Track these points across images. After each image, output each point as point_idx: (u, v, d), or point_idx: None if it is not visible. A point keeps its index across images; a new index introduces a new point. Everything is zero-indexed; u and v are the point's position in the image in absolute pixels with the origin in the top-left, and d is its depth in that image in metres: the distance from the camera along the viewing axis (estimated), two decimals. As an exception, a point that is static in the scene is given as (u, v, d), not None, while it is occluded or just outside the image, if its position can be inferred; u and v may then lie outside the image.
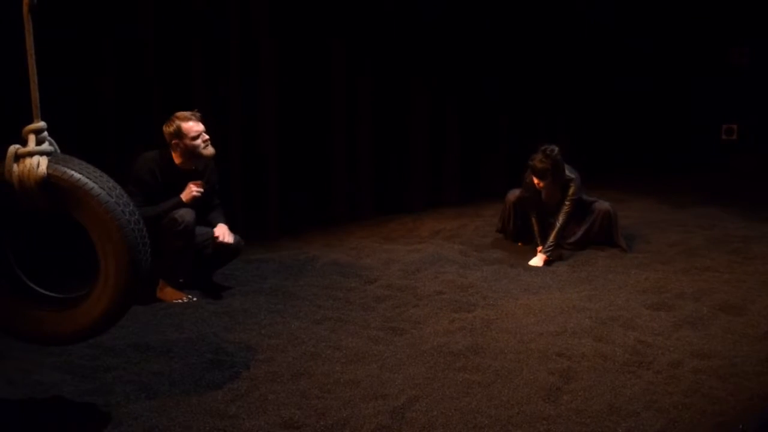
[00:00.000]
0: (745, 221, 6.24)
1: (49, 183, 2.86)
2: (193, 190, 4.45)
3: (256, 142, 6.20)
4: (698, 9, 8.49)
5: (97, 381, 3.40)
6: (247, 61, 6.04)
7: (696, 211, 6.63)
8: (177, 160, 4.48)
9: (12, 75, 3.91)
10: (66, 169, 2.88)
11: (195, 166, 4.52)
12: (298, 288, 4.72)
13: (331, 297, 4.58)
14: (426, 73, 7.11)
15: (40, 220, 3.49)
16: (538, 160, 5.20)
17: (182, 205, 4.41)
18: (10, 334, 3.18)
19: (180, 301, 4.47)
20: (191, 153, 4.44)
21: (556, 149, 5.21)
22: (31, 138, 2.91)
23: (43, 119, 2.95)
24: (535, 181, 5.30)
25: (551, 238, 5.30)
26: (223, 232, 4.52)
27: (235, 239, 4.62)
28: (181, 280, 4.57)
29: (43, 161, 2.87)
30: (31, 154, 2.87)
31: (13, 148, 2.88)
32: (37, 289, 3.16)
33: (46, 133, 2.95)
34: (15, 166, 2.86)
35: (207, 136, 4.48)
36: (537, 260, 5.27)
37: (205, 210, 4.63)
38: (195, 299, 4.51)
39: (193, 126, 4.42)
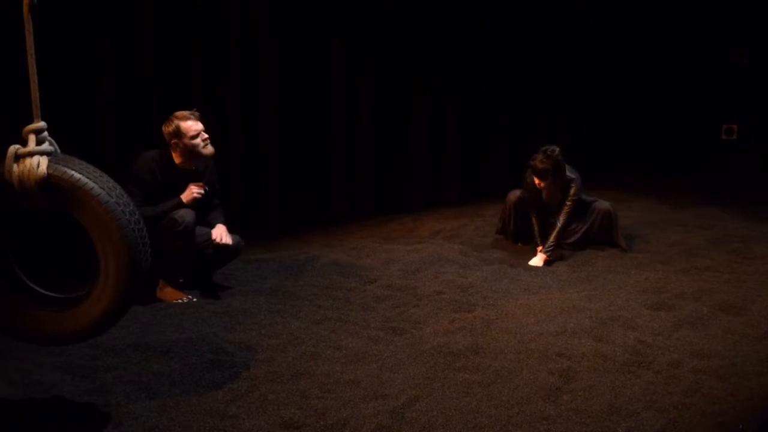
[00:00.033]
0: (745, 221, 6.24)
1: (49, 183, 2.86)
2: (193, 191, 4.45)
3: (256, 142, 6.21)
4: (698, 9, 8.49)
5: (97, 381, 3.40)
6: (247, 61, 6.05)
7: (696, 211, 6.63)
8: (177, 159, 4.48)
9: (12, 75, 3.91)
10: (66, 169, 2.88)
11: (195, 165, 4.52)
12: (298, 288, 4.72)
13: (331, 297, 4.58)
14: (426, 73, 7.12)
15: (40, 220, 3.48)
16: (539, 161, 5.20)
17: (182, 205, 4.41)
18: (10, 334, 3.18)
19: (180, 301, 4.47)
20: (191, 152, 4.44)
21: (557, 149, 5.21)
22: (31, 138, 2.91)
23: (43, 119, 2.94)
24: (536, 181, 5.30)
25: (552, 238, 5.30)
26: (220, 233, 4.52)
27: (234, 239, 4.62)
28: (181, 280, 4.57)
29: (43, 161, 2.87)
30: (31, 154, 2.87)
31: (13, 148, 2.88)
32: (37, 289, 3.16)
33: (46, 133, 2.95)
34: (15, 166, 2.86)
35: (206, 135, 4.48)
36: (537, 260, 5.27)
37: (206, 210, 4.63)
38: (195, 299, 4.51)
39: (192, 125, 4.42)
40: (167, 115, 4.48)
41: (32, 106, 2.93)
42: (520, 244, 5.65)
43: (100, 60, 5.34)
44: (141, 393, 3.28)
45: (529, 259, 5.31)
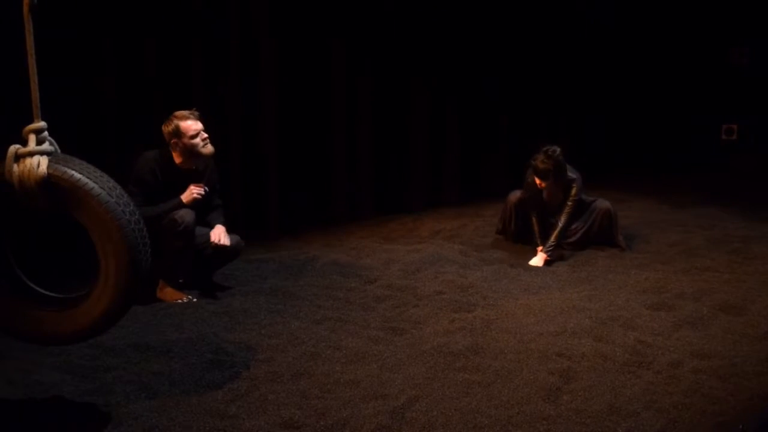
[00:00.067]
0: (745, 221, 6.24)
1: (49, 183, 2.86)
2: (193, 191, 4.45)
3: (256, 142, 6.21)
4: (698, 9, 8.49)
5: (97, 381, 3.40)
6: (247, 61, 6.05)
7: (696, 211, 6.63)
8: (177, 159, 4.48)
9: (12, 75, 3.91)
10: (66, 169, 2.88)
11: (195, 165, 4.52)
12: (298, 288, 4.72)
13: (331, 297, 4.58)
14: (426, 73, 7.12)
15: (40, 220, 3.49)
16: (540, 161, 5.20)
17: (182, 206, 4.41)
18: (10, 334, 3.18)
19: (180, 301, 4.47)
20: (190, 152, 4.44)
21: (558, 150, 5.21)
22: (32, 138, 2.91)
23: (43, 119, 2.94)
24: (537, 181, 5.30)
25: (552, 238, 5.30)
26: (219, 235, 4.51)
27: (234, 240, 4.62)
28: (180, 281, 4.57)
29: (44, 161, 2.87)
30: (31, 154, 2.87)
31: (14, 148, 2.88)
32: (37, 289, 3.16)
33: (46, 133, 2.95)
34: (15, 166, 2.86)
35: (206, 135, 4.48)
36: (537, 260, 5.27)
37: (206, 210, 4.63)
38: (195, 299, 4.51)
39: (191, 125, 4.42)
40: (167, 115, 4.48)
41: (32, 106, 2.93)
42: (520, 245, 5.65)
43: (101, 60, 5.34)
44: (141, 393, 3.28)
45: (529, 259, 5.31)
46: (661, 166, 8.49)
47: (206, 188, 4.53)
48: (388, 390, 3.32)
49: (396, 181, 7.15)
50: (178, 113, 4.44)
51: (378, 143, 6.96)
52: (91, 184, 2.88)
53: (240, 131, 6.09)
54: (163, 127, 4.45)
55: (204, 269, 4.73)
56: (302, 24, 6.33)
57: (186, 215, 4.36)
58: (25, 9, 2.87)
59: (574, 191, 5.33)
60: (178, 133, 4.41)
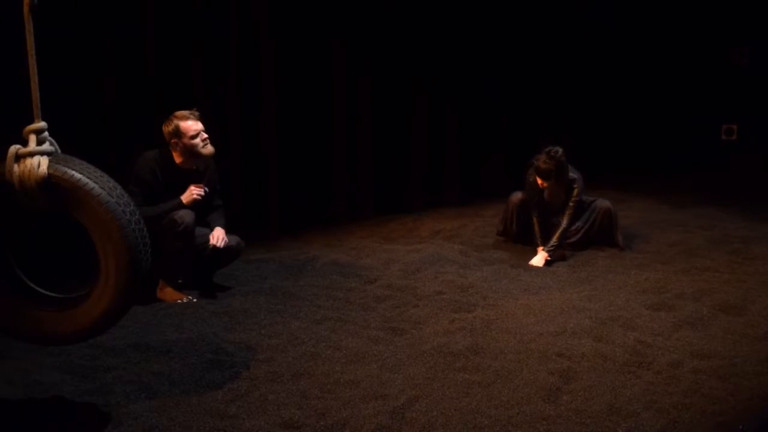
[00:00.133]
0: (745, 221, 6.24)
1: (49, 183, 2.86)
2: (193, 192, 4.45)
3: (256, 142, 6.21)
4: (698, 9, 8.49)
5: (97, 381, 3.40)
6: (247, 61, 6.05)
7: (696, 211, 6.64)
8: (177, 159, 4.48)
9: (12, 75, 3.91)
10: (67, 169, 2.88)
11: (196, 165, 4.52)
12: (298, 288, 4.72)
13: (331, 297, 4.58)
14: (426, 73, 7.12)
15: (41, 220, 3.49)
16: (542, 161, 5.20)
17: (182, 206, 4.41)
18: (10, 334, 3.18)
19: (180, 301, 4.47)
20: (190, 152, 4.44)
21: (560, 150, 5.21)
22: (32, 138, 2.91)
23: (43, 119, 2.95)
24: (539, 181, 5.30)
25: (554, 239, 5.30)
26: (217, 237, 4.51)
27: (234, 241, 4.63)
28: (180, 281, 4.57)
29: (44, 161, 2.87)
30: (31, 154, 2.87)
31: (14, 148, 2.88)
32: (37, 289, 3.16)
33: (46, 133, 2.95)
34: (16, 166, 2.86)
35: (206, 135, 4.48)
36: (538, 259, 5.26)
37: (206, 210, 4.63)
38: (195, 299, 4.51)
39: (191, 125, 4.42)
40: (168, 115, 4.48)
41: (33, 106, 2.93)
42: (520, 245, 5.64)
43: (101, 60, 5.34)
44: (141, 393, 3.28)
45: (530, 259, 5.31)
46: (661, 166, 8.49)
47: (206, 188, 4.53)
48: (388, 390, 3.32)
49: (396, 181, 7.15)
50: (179, 113, 4.44)
51: (378, 143, 6.96)
52: (91, 184, 2.88)
53: (240, 131, 6.09)
54: (163, 127, 4.46)
55: (204, 269, 4.73)
56: (302, 24, 6.33)
57: (186, 216, 4.36)
58: (26, 9, 2.87)
59: (575, 192, 5.33)
60: (178, 133, 4.41)
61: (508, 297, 4.56)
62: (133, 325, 4.04)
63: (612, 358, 3.61)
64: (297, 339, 3.91)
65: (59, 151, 3.00)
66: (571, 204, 5.34)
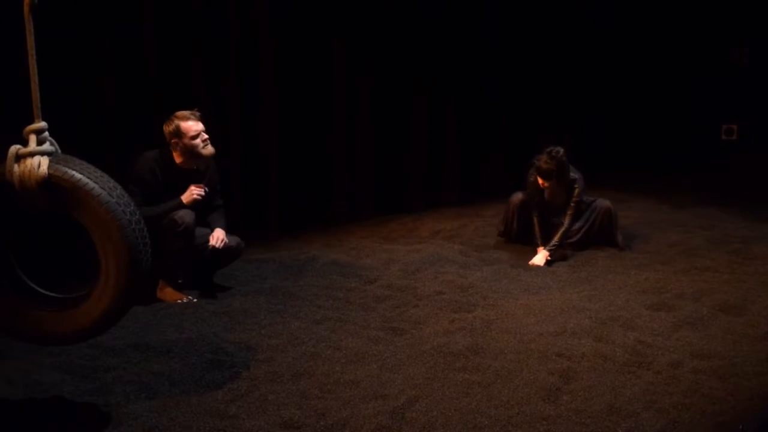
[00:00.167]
0: (745, 221, 6.24)
1: (49, 183, 2.86)
2: (194, 192, 4.45)
3: (256, 142, 6.21)
4: (698, 9, 8.49)
5: (97, 381, 3.40)
6: (247, 61, 6.05)
7: (696, 211, 6.64)
8: (177, 159, 4.48)
9: (13, 75, 3.91)
10: (67, 170, 2.88)
11: (196, 165, 4.52)
12: (298, 288, 4.72)
13: (331, 297, 4.58)
14: (426, 73, 7.11)
15: (41, 220, 3.49)
16: (543, 161, 5.21)
17: (182, 206, 4.41)
18: (10, 334, 3.18)
19: (180, 301, 4.47)
20: (190, 152, 4.44)
21: (562, 150, 5.22)
22: (32, 138, 2.92)
23: (43, 119, 2.95)
24: (540, 181, 5.30)
25: (556, 239, 5.30)
26: (217, 238, 4.51)
27: (234, 241, 4.63)
28: (180, 281, 4.57)
29: (44, 161, 2.87)
30: (32, 155, 2.88)
31: (14, 148, 2.89)
32: (38, 289, 3.16)
33: (47, 133, 2.95)
34: (16, 166, 2.86)
35: (206, 136, 4.47)
36: (539, 258, 5.26)
37: (207, 210, 4.63)
38: (195, 299, 4.51)
39: (192, 125, 4.42)
40: (168, 116, 4.48)
41: (33, 106, 2.93)
42: (520, 245, 5.64)
43: (101, 60, 5.34)
44: (141, 393, 3.28)
45: (530, 259, 5.31)
46: (661, 166, 8.49)
47: (206, 188, 4.53)
48: (388, 390, 3.32)
49: (396, 181, 7.15)
50: (180, 113, 4.44)
51: (378, 143, 6.95)
52: (91, 184, 2.88)
53: (240, 131, 6.09)
54: (164, 127, 4.46)
55: (204, 269, 4.73)
56: (302, 24, 6.32)
57: (186, 216, 4.36)
58: (26, 9, 2.87)
59: (576, 192, 5.34)
60: (178, 133, 4.41)
61: (508, 297, 4.56)
62: (133, 325, 4.04)
63: (612, 358, 3.61)
64: (297, 339, 3.91)
65: (59, 151, 3.00)
66: (572, 204, 5.35)
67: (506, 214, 5.69)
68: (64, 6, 4.76)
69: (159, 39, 5.57)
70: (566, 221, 5.35)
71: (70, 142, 3.26)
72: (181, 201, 4.42)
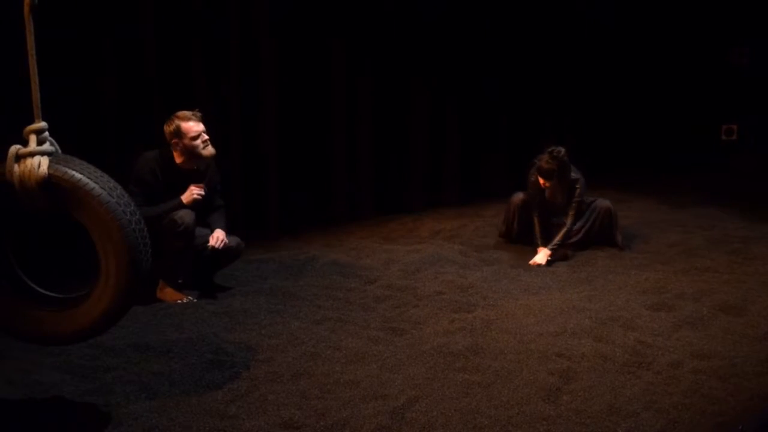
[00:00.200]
0: (745, 221, 6.24)
1: (50, 183, 2.86)
2: (194, 192, 4.45)
3: (256, 142, 6.21)
4: (698, 9, 8.49)
5: (97, 381, 3.40)
6: (247, 61, 6.05)
7: (696, 211, 6.64)
8: (178, 159, 4.48)
9: (13, 75, 3.91)
10: (67, 170, 2.88)
11: (196, 165, 4.52)
12: (298, 288, 4.73)
13: (331, 297, 4.58)
14: (426, 73, 7.12)
15: (41, 220, 3.49)
16: (544, 161, 5.21)
17: (183, 206, 4.41)
18: (10, 334, 3.18)
19: (180, 301, 4.47)
20: (191, 153, 4.44)
21: (563, 150, 5.22)
22: (32, 138, 2.92)
23: (43, 119, 2.95)
24: (541, 181, 5.30)
25: (558, 238, 5.31)
26: (216, 238, 4.51)
27: (234, 242, 4.62)
28: (180, 281, 4.57)
29: (44, 161, 2.87)
30: (32, 155, 2.88)
31: (14, 148, 2.89)
32: (38, 289, 3.16)
33: (47, 134, 2.95)
34: (16, 166, 2.86)
35: (207, 137, 4.47)
36: (540, 257, 5.25)
37: (207, 211, 4.63)
38: (195, 299, 4.51)
39: (192, 126, 4.42)
40: (168, 116, 4.48)
41: (33, 106, 2.93)
42: (520, 245, 5.64)
43: (101, 60, 5.34)
44: (141, 393, 3.28)
45: (529, 259, 5.31)
46: (661, 166, 8.49)
47: (206, 188, 4.53)
48: (388, 390, 3.32)
49: (396, 181, 7.15)
50: (180, 113, 4.44)
51: (378, 143, 6.96)
52: (91, 184, 2.88)
53: (240, 131, 6.09)
54: (164, 127, 4.46)
55: (204, 270, 4.73)
56: (302, 24, 6.33)
57: (186, 216, 4.36)
58: (26, 9, 2.87)
59: (577, 192, 5.34)
60: (179, 133, 4.41)
61: (508, 297, 4.56)
62: (133, 325, 4.04)
63: (612, 358, 3.61)
64: (297, 339, 3.91)
65: (59, 151, 3.00)
66: (573, 204, 5.35)
67: (507, 214, 5.68)
68: (64, 6, 4.76)
69: (159, 39, 5.58)
70: (568, 221, 5.35)
71: (70, 142, 3.26)
72: (181, 201, 4.42)
